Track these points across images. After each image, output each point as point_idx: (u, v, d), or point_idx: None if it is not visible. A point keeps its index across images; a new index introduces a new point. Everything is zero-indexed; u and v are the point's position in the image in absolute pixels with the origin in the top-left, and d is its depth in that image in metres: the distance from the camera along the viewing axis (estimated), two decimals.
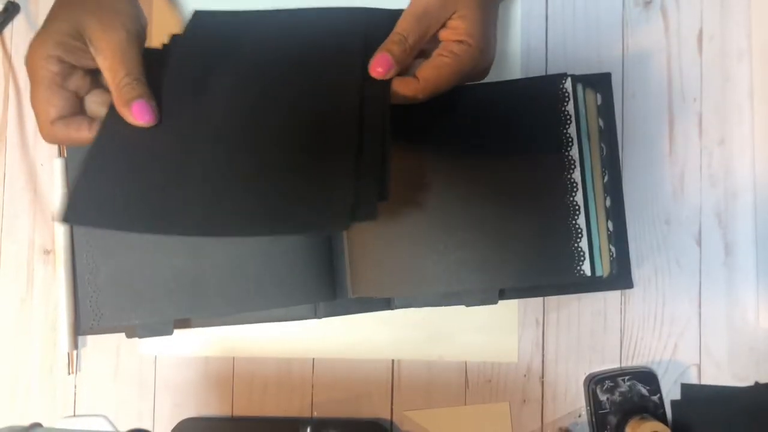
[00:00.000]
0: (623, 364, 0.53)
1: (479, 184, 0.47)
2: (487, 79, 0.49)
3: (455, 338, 0.53)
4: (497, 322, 0.53)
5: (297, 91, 0.43)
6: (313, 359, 0.54)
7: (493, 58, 0.44)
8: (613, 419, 0.50)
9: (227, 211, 0.39)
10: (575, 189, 0.47)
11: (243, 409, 0.54)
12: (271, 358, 0.54)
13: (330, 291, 0.50)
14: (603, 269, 0.47)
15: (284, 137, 0.41)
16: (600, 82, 0.52)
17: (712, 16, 0.54)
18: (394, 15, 0.43)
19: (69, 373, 0.54)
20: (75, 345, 0.54)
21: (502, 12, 0.54)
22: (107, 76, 0.40)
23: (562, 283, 0.50)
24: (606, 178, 0.50)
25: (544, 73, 0.54)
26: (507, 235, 0.47)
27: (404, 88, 0.41)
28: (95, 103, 0.42)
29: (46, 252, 0.56)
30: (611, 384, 0.51)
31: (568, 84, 0.47)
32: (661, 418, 0.50)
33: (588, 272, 0.46)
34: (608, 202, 0.49)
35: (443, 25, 0.41)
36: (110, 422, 0.55)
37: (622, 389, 0.51)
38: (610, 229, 0.49)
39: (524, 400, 0.53)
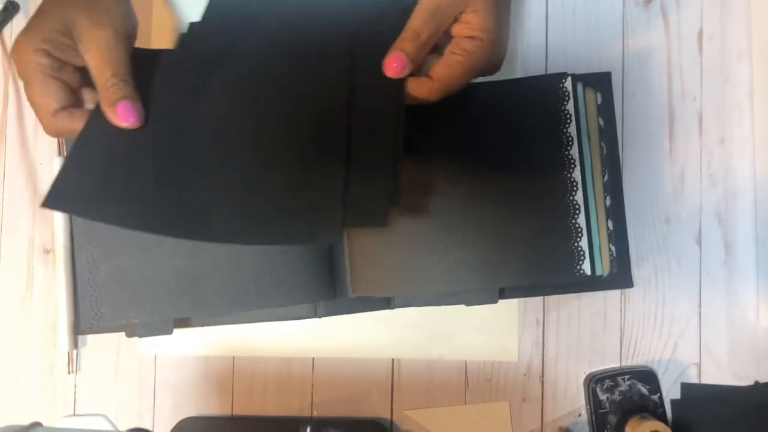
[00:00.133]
0: (623, 364, 0.53)
1: (479, 183, 0.47)
2: (487, 79, 0.49)
3: (455, 338, 0.53)
4: (497, 321, 0.53)
5: (289, 96, 0.43)
6: (313, 359, 0.54)
7: (505, 53, 0.43)
8: (613, 418, 0.50)
9: (215, 216, 0.39)
10: (575, 188, 0.47)
11: (243, 409, 0.54)
12: (271, 358, 0.54)
13: (330, 290, 0.50)
14: (603, 268, 0.47)
15: (274, 144, 0.41)
16: (600, 82, 0.52)
17: (712, 15, 0.54)
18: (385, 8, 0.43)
19: (69, 373, 0.54)
20: (75, 344, 0.54)
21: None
22: (93, 75, 0.40)
23: (562, 283, 0.50)
24: (606, 178, 0.50)
25: (544, 73, 0.54)
26: (507, 234, 0.47)
27: (418, 89, 0.41)
28: (88, 101, 0.42)
29: (46, 251, 0.56)
30: (611, 383, 0.51)
31: (568, 83, 0.47)
32: (661, 417, 0.50)
33: (588, 271, 0.46)
34: (608, 202, 0.49)
35: (456, 20, 0.41)
36: (110, 422, 0.55)
37: (622, 388, 0.51)
38: (610, 228, 0.49)
39: (524, 399, 0.53)
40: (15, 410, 0.55)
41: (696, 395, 0.52)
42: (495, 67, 0.44)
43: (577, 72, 0.48)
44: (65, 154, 0.54)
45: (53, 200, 0.38)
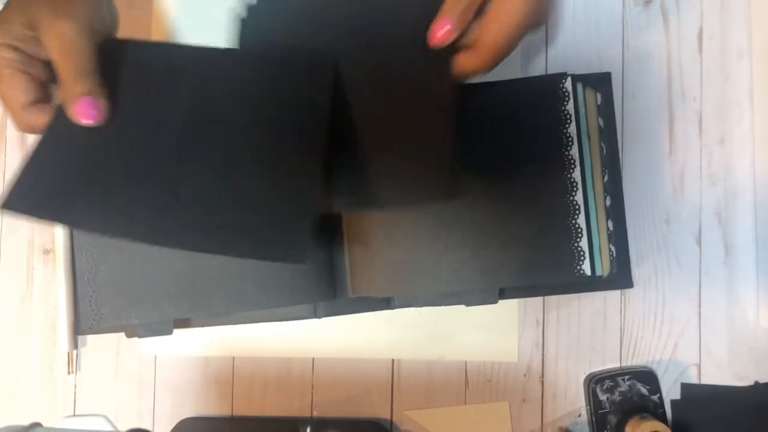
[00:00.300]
0: (623, 364, 0.53)
1: (479, 183, 0.47)
2: (486, 79, 0.49)
3: (455, 338, 0.53)
4: (497, 321, 0.53)
5: (261, 97, 0.42)
6: (313, 359, 0.54)
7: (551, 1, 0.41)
8: (612, 419, 0.50)
9: (178, 221, 0.38)
10: (575, 188, 0.47)
11: (243, 409, 0.54)
12: (271, 358, 0.54)
13: (330, 290, 0.50)
14: (603, 269, 0.47)
15: (247, 150, 0.41)
16: (600, 82, 0.52)
17: (712, 15, 0.54)
18: None
19: (69, 373, 0.54)
20: (75, 344, 0.54)
21: None
22: (56, 69, 0.38)
23: (562, 283, 0.50)
24: (606, 178, 0.50)
25: (544, 73, 0.54)
26: (507, 234, 0.47)
27: (468, 62, 0.40)
28: (57, 97, 0.40)
29: (46, 252, 0.56)
30: (611, 383, 0.51)
31: (568, 83, 0.47)
32: (661, 417, 0.50)
33: (588, 272, 0.46)
34: (608, 202, 0.49)
35: None
36: (110, 422, 0.55)
37: (622, 389, 0.51)
38: (610, 228, 0.49)
39: (524, 400, 0.53)
40: (15, 410, 0.55)
41: (696, 395, 0.52)
42: (543, 18, 0.41)
43: (577, 72, 0.48)
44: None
45: (11, 202, 0.36)
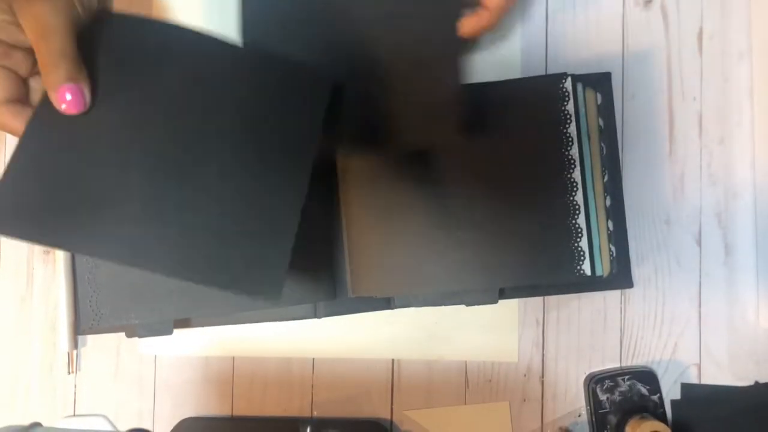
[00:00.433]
0: (623, 364, 0.53)
1: (479, 183, 0.47)
2: (487, 79, 0.49)
3: (455, 338, 0.53)
4: (497, 321, 0.53)
5: (253, 102, 0.41)
6: (313, 359, 0.54)
7: None
8: (613, 419, 0.50)
9: (160, 245, 0.36)
10: (575, 188, 0.47)
11: (243, 409, 0.54)
12: (271, 358, 0.54)
13: (330, 290, 0.50)
14: (603, 269, 0.47)
15: (229, 169, 0.39)
16: (600, 82, 0.52)
17: (712, 15, 0.54)
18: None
19: (69, 373, 0.54)
20: (75, 344, 0.54)
21: None
22: (36, 53, 0.35)
23: (562, 283, 0.50)
24: (606, 178, 0.50)
25: (544, 73, 0.54)
26: (507, 234, 0.47)
27: (477, 23, 0.43)
28: (37, 91, 0.38)
29: (46, 252, 0.56)
30: (611, 383, 0.51)
31: (568, 83, 0.47)
32: (661, 417, 0.50)
33: (588, 272, 0.46)
34: (608, 202, 0.49)
35: None
36: (110, 422, 0.55)
37: (622, 389, 0.51)
38: (610, 228, 0.49)
39: (524, 400, 0.53)
40: (15, 410, 0.55)
41: (696, 395, 0.52)
42: None
43: (577, 72, 0.48)
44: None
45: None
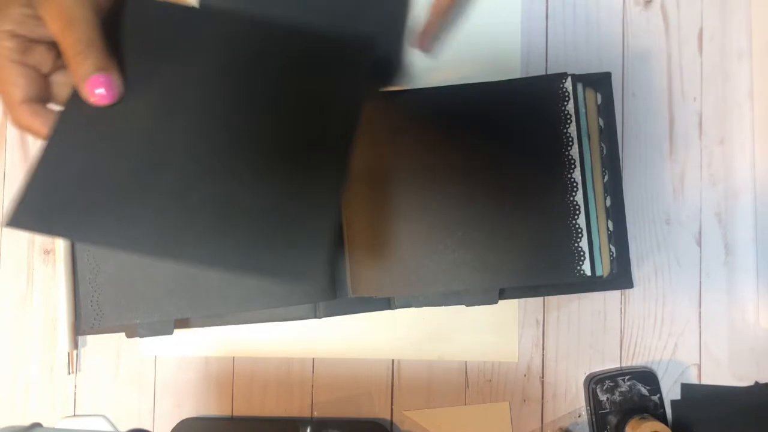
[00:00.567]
0: (623, 364, 0.53)
1: (479, 183, 0.47)
2: (487, 79, 0.49)
3: (455, 338, 0.53)
4: (497, 322, 0.53)
5: (288, 80, 0.38)
6: (313, 359, 0.54)
7: None
8: (613, 419, 0.50)
9: (197, 237, 0.35)
10: (575, 188, 0.47)
11: (243, 409, 0.54)
12: (271, 358, 0.54)
13: (330, 291, 0.50)
14: (603, 269, 0.47)
15: (265, 150, 0.37)
16: (600, 82, 0.52)
17: (712, 15, 0.54)
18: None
19: (69, 373, 0.54)
20: (75, 345, 0.54)
21: (501, 11, 0.54)
22: (59, 44, 0.34)
23: (562, 283, 0.50)
24: (606, 178, 0.50)
25: (544, 73, 0.54)
26: (507, 234, 0.47)
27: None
28: (61, 85, 0.37)
29: (46, 252, 0.56)
30: (611, 384, 0.51)
31: (568, 83, 0.47)
32: (661, 417, 0.50)
33: (588, 272, 0.46)
34: (608, 202, 0.49)
35: None
36: (110, 422, 0.55)
37: (622, 389, 0.51)
38: (610, 228, 0.49)
39: (524, 400, 0.53)
40: (15, 410, 0.55)
41: (696, 396, 0.52)
42: None
43: (577, 72, 0.48)
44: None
45: (18, 219, 0.34)
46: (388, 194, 0.48)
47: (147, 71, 0.37)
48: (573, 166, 0.47)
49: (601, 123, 0.50)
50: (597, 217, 0.48)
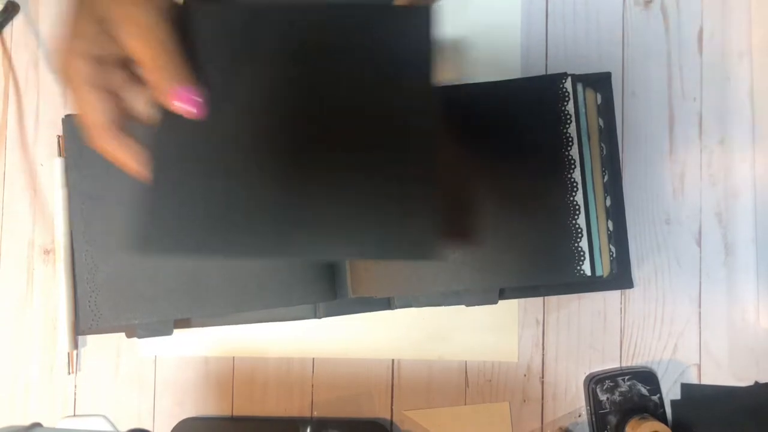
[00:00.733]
0: (623, 364, 0.53)
1: (479, 183, 0.47)
2: (487, 79, 0.49)
3: (455, 338, 0.53)
4: (497, 322, 0.53)
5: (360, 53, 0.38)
6: (313, 359, 0.54)
7: None
8: (613, 419, 0.50)
9: (311, 232, 0.35)
10: (575, 189, 0.47)
11: (243, 409, 0.54)
12: (271, 358, 0.54)
13: (330, 291, 0.50)
14: (603, 269, 0.47)
15: (356, 130, 0.37)
16: (600, 82, 0.52)
17: (712, 15, 0.54)
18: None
19: (69, 373, 0.54)
20: (75, 345, 0.54)
21: (501, 11, 0.54)
22: (138, 58, 0.34)
23: (562, 283, 0.50)
24: (606, 178, 0.50)
25: (544, 73, 0.54)
26: (507, 235, 0.47)
27: None
28: (135, 100, 0.37)
29: (46, 252, 0.56)
30: (611, 384, 0.51)
31: (568, 83, 0.47)
32: (661, 417, 0.50)
33: (588, 272, 0.46)
34: (608, 202, 0.49)
35: None
36: (110, 422, 0.55)
37: (622, 389, 0.51)
38: (610, 228, 0.49)
39: (524, 400, 0.53)
40: (15, 410, 0.55)
41: (696, 396, 0.52)
42: None
43: (577, 72, 0.48)
44: (65, 155, 0.53)
45: (142, 246, 0.35)
46: None
47: (222, 74, 0.37)
48: (573, 166, 0.47)
49: (601, 123, 0.50)
50: (597, 217, 0.48)
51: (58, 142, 0.55)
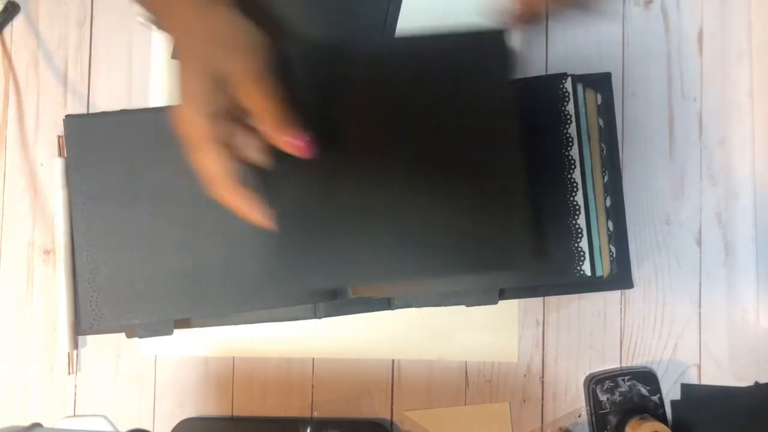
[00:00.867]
0: (623, 364, 0.53)
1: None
2: None
3: (455, 338, 0.53)
4: (497, 322, 0.53)
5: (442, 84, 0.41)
6: (313, 359, 0.54)
7: None
8: (613, 419, 0.50)
9: (417, 255, 0.39)
10: (575, 189, 0.47)
11: (243, 409, 0.54)
12: (271, 358, 0.54)
13: (330, 291, 0.50)
14: (603, 269, 0.47)
15: (447, 164, 0.41)
16: (600, 82, 0.52)
17: (712, 16, 0.54)
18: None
19: (69, 373, 0.54)
20: (75, 345, 0.54)
21: None
22: (253, 109, 0.37)
23: (562, 283, 0.50)
24: (606, 178, 0.50)
25: (544, 73, 0.54)
26: None
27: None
28: (248, 148, 0.40)
29: (46, 252, 0.56)
30: (611, 384, 0.51)
31: (568, 84, 0.47)
32: (661, 418, 0.50)
33: (588, 272, 0.46)
34: (608, 202, 0.49)
35: None
36: (110, 422, 0.55)
37: (622, 389, 0.51)
38: (610, 229, 0.49)
39: (524, 400, 0.53)
40: (15, 410, 0.55)
41: (696, 396, 0.52)
42: None
43: (577, 72, 0.48)
44: (65, 155, 0.54)
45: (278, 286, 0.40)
46: None
47: (318, 112, 0.40)
48: (573, 167, 0.47)
49: (601, 123, 0.50)
50: (597, 218, 0.48)
51: (58, 142, 0.55)
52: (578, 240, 0.46)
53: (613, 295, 0.53)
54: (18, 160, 0.56)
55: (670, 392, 0.52)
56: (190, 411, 0.54)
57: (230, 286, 0.49)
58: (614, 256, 0.49)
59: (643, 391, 0.51)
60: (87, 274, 0.49)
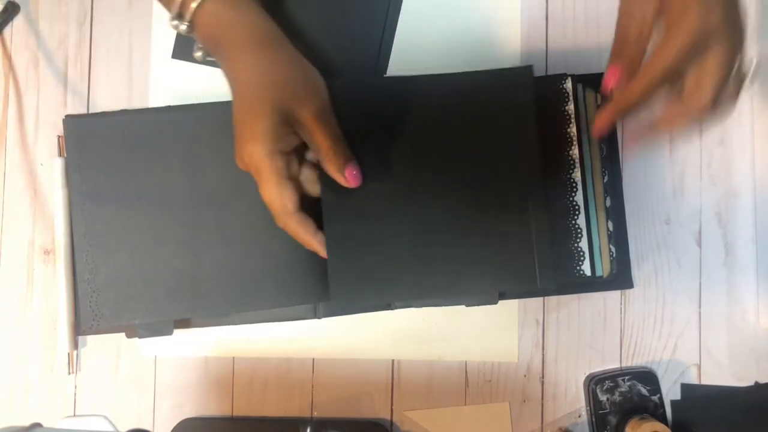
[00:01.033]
0: (623, 364, 0.53)
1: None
2: None
3: (455, 338, 0.53)
4: (497, 322, 0.53)
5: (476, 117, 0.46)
6: (313, 359, 0.54)
7: (737, 25, 0.38)
8: (613, 419, 0.50)
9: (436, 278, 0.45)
10: (575, 189, 0.47)
11: (243, 409, 0.54)
12: (271, 358, 0.54)
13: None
14: (603, 269, 0.47)
15: (478, 190, 0.46)
16: (600, 82, 0.52)
17: None
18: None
19: (69, 373, 0.54)
20: (75, 345, 0.54)
21: (501, 11, 0.54)
22: (317, 145, 0.41)
23: (562, 283, 0.50)
24: (606, 178, 0.50)
25: (544, 73, 0.54)
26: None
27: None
28: (307, 181, 0.44)
29: (46, 252, 0.56)
30: (611, 384, 0.51)
31: (568, 84, 0.47)
32: (661, 418, 0.50)
33: (588, 272, 0.46)
34: (608, 202, 0.49)
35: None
36: (110, 422, 0.55)
37: (622, 389, 0.51)
38: (610, 229, 0.49)
39: (524, 400, 0.53)
40: (15, 410, 0.55)
41: (696, 396, 0.52)
42: (736, 43, 0.38)
43: (577, 72, 0.48)
44: (65, 155, 0.54)
45: (337, 292, 0.45)
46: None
47: (367, 143, 0.45)
48: (573, 166, 0.47)
49: None
50: (597, 217, 0.48)
51: (58, 142, 0.55)
52: (578, 240, 0.46)
53: (613, 295, 0.53)
54: (18, 160, 0.56)
55: (670, 392, 0.52)
56: (190, 411, 0.54)
57: (230, 286, 0.49)
58: (614, 256, 0.49)
59: (643, 391, 0.51)
60: (87, 274, 0.49)
